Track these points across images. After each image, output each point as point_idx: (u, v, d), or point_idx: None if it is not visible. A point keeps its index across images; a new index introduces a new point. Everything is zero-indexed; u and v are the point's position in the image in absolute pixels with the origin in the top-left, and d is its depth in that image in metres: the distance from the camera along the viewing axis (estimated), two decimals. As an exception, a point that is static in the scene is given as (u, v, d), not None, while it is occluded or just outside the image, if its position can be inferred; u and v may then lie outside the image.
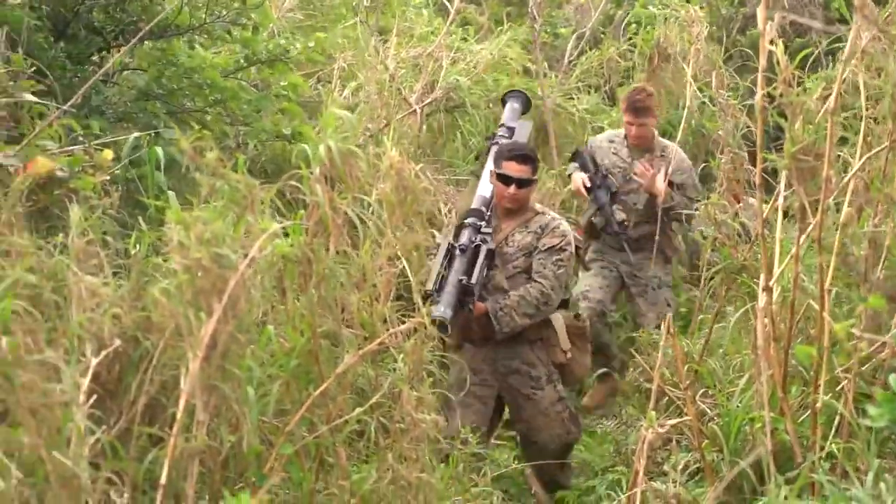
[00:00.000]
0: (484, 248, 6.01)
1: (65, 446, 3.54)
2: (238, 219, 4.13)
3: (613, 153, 7.80)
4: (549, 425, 6.31)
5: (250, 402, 4.13)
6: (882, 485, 3.92)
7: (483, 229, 6.10)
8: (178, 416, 3.83)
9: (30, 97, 5.23)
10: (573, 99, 9.66)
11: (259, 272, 4.17)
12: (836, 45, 8.47)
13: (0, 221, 4.53)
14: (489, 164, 6.40)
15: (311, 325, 4.52)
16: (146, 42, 6.88)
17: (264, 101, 7.13)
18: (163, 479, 3.76)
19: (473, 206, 6.25)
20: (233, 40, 7.07)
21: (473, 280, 5.90)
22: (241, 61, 7.11)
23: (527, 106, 7.02)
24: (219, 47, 7.37)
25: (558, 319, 6.29)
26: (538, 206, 6.37)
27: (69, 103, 5.04)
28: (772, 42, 4.89)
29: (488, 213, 6.21)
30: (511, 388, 6.33)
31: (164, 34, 6.82)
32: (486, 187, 6.32)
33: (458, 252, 5.95)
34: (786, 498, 4.38)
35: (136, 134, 5.90)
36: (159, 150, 5.72)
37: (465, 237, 6.03)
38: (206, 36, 6.97)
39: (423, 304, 5.17)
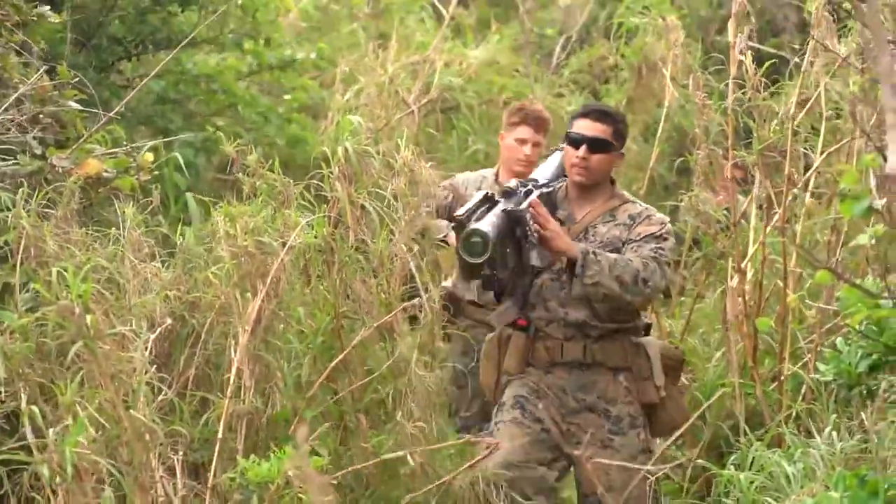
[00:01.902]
0: (535, 193, 4.89)
1: (137, 406, 4.30)
2: (275, 212, 4.91)
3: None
4: (629, 485, 4.85)
5: (285, 373, 4.91)
6: (835, 434, 4.70)
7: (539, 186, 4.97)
8: (231, 381, 4.60)
9: (75, 105, 5.97)
10: (563, 97, 10.43)
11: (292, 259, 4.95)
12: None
13: (58, 217, 5.29)
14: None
15: (335, 306, 5.29)
16: (163, 52, 7.66)
17: (272, 112, 7.91)
18: (220, 434, 4.53)
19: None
20: (244, 52, 7.84)
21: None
22: (253, 67, 7.91)
23: None
24: (227, 54, 8.13)
25: (652, 345, 5.03)
26: (626, 194, 5.16)
27: (114, 111, 5.80)
28: (741, 52, 5.71)
29: (549, 187, 5.04)
30: (579, 432, 4.97)
31: (182, 45, 7.58)
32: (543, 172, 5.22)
33: (501, 199, 4.77)
34: (756, 450, 5.16)
35: (161, 140, 6.65)
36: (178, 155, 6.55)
37: (512, 183, 4.88)
38: (219, 48, 7.72)
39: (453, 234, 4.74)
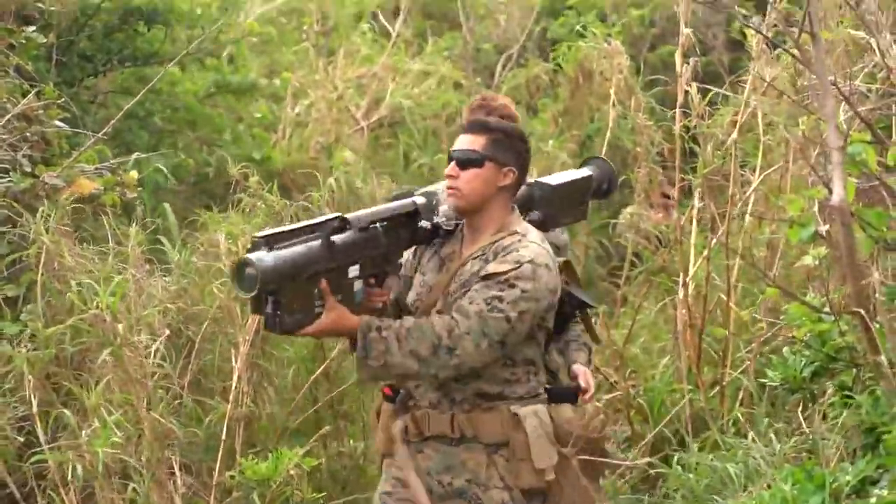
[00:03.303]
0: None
1: (156, 409, 4.82)
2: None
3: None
4: None
5: (279, 381, 5.47)
6: (772, 435, 5.35)
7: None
8: (234, 387, 5.13)
9: (60, 124, 6.45)
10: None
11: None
12: (738, 62, 10.16)
13: (53, 233, 5.77)
14: None
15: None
16: (129, 68, 8.17)
17: (234, 127, 8.44)
18: (223, 436, 5.06)
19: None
20: (206, 68, 8.35)
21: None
22: (212, 89, 8.43)
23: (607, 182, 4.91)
24: (189, 72, 8.64)
25: (535, 417, 4.14)
26: (523, 227, 4.21)
27: (102, 132, 6.29)
28: (687, 83, 6.35)
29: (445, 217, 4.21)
30: None
31: (148, 62, 8.09)
32: None
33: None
34: (699, 453, 5.80)
35: (136, 155, 7.13)
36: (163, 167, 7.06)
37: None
38: (180, 66, 8.22)
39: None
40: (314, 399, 5.94)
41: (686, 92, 6.47)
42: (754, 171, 6.80)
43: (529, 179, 4.40)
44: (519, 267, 4.01)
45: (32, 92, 6.25)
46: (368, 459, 6.01)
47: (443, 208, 4.21)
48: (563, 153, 10.39)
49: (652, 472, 6.20)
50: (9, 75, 6.49)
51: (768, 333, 6.35)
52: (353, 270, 3.97)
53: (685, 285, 6.50)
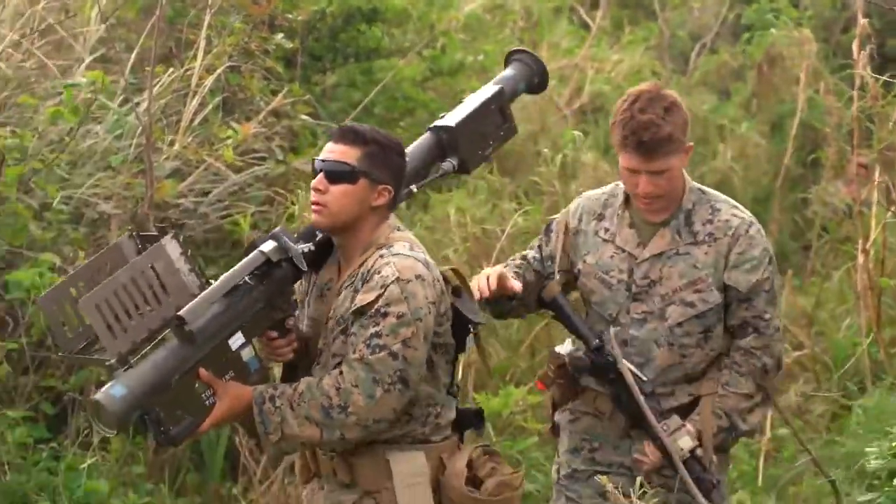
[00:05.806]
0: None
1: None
2: (494, 205, 6.57)
3: (605, 240, 4.49)
4: None
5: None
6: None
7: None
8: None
9: (305, 118, 7.68)
10: (690, 96, 11.94)
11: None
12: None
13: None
14: None
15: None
16: (353, 64, 9.39)
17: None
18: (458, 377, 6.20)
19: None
20: (423, 58, 9.53)
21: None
22: (427, 73, 9.60)
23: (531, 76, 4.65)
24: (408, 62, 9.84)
25: (407, 465, 3.84)
26: (391, 236, 3.88)
27: (341, 124, 7.48)
28: (864, 67, 7.23)
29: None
30: None
31: (370, 57, 9.28)
32: None
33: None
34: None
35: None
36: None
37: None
38: (401, 57, 9.40)
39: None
40: (532, 351, 7.04)
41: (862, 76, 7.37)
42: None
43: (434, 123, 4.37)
44: (384, 291, 3.67)
45: (283, 91, 7.48)
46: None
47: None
48: (756, 135, 11.30)
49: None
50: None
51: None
52: (236, 340, 3.69)
53: (865, 252, 7.41)
